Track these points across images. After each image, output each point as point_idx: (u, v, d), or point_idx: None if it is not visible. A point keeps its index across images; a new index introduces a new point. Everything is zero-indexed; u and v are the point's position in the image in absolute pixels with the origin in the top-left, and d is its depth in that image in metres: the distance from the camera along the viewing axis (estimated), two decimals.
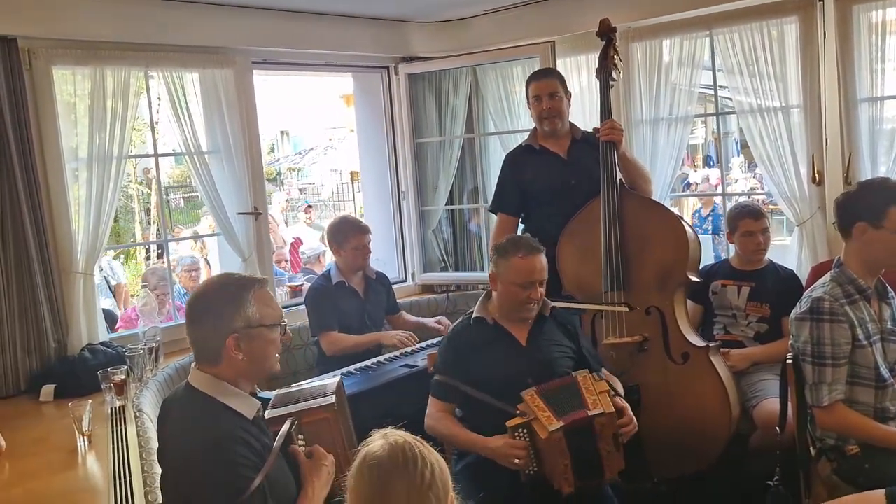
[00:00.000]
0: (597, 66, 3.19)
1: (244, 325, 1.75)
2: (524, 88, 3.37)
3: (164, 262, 5.58)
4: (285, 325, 1.86)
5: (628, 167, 3.20)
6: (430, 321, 3.78)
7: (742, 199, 4.11)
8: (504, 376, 2.45)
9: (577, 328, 2.75)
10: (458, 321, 2.71)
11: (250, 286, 1.80)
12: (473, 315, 2.61)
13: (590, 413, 2.27)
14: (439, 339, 3.59)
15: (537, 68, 3.99)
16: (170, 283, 4.38)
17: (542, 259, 2.54)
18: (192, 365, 1.81)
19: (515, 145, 3.56)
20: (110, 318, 4.16)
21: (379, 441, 1.32)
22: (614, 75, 3.19)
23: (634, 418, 2.39)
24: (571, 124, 3.37)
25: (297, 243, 7.07)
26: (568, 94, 3.34)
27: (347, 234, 3.56)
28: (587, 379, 2.39)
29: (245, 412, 1.76)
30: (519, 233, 3.38)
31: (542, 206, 3.27)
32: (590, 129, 3.37)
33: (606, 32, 3.18)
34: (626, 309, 2.96)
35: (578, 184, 3.20)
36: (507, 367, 2.49)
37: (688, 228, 3.05)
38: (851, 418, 2.25)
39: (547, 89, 3.26)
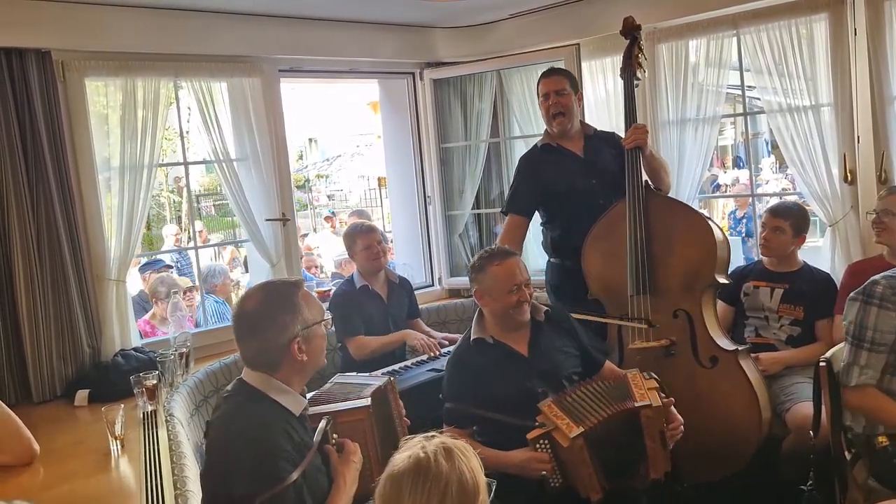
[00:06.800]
0: (621, 65, 3.17)
1: (303, 326, 1.84)
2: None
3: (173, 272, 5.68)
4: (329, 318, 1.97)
5: (652, 164, 3.18)
6: (439, 336, 3.70)
7: (781, 199, 4.08)
8: (515, 392, 2.44)
9: (575, 324, 2.73)
10: (456, 345, 2.70)
11: (296, 289, 1.89)
12: (472, 337, 2.59)
13: (637, 404, 2.26)
14: None
15: None
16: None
17: (519, 261, 2.56)
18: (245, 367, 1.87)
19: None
20: None
21: (406, 452, 1.35)
22: (639, 74, 3.17)
23: (681, 418, 2.37)
24: (582, 122, 3.36)
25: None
26: (578, 92, 3.34)
27: (355, 237, 3.62)
28: (637, 376, 2.40)
29: (292, 408, 1.84)
30: (540, 236, 3.38)
31: (565, 207, 3.26)
32: (616, 132, 3.36)
33: (631, 30, 3.16)
34: (646, 326, 2.93)
35: (599, 183, 3.20)
36: (515, 382, 2.48)
37: (715, 229, 2.99)
38: (879, 401, 2.22)
39: (554, 86, 3.26)
